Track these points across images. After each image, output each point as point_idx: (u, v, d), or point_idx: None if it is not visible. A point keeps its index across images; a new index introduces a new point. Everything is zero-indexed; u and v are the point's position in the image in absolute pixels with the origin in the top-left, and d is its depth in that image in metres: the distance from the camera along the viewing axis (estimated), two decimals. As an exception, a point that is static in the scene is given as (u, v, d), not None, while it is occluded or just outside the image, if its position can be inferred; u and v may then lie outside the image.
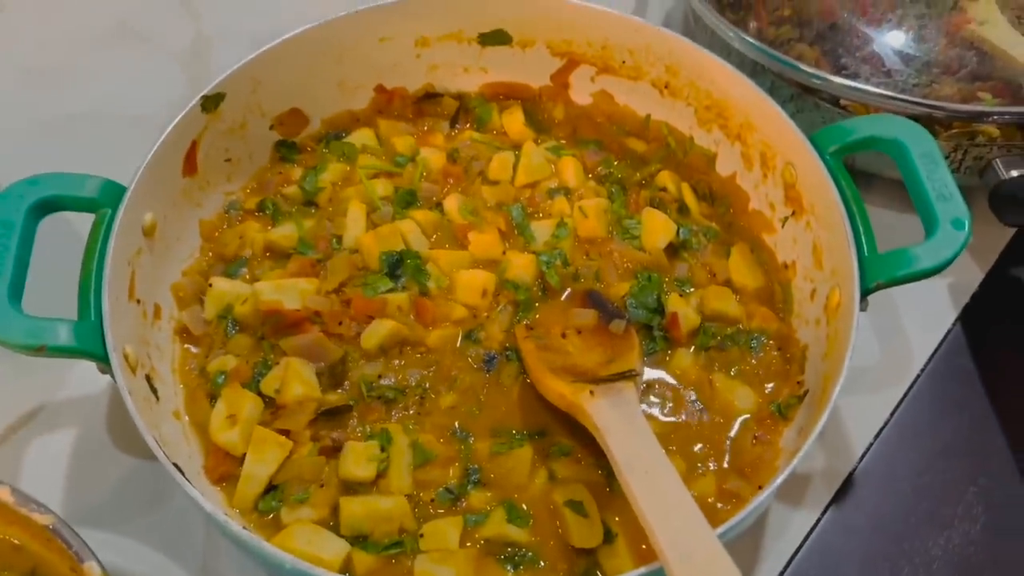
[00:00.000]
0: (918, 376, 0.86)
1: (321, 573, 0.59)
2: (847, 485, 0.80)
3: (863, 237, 0.73)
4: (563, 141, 0.95)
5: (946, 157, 0.88)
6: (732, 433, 0.75)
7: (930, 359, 0.87)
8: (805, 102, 0.92)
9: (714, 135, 0.91)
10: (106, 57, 1.14)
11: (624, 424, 0.68)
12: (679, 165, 0.93)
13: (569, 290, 0.82)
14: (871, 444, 0.82)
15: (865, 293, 0.70)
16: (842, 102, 0.92)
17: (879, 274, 0.70)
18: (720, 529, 0.58)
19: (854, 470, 0.81)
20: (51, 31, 1.17)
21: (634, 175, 0.90)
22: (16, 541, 0.61)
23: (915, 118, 0.83)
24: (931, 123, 0.89)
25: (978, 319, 0.90)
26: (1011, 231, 0.95)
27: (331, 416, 0.74)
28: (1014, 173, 0.89)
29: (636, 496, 0.61)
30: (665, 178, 0.91)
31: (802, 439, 0.65)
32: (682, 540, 0.57)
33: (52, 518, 0.58)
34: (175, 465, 0.64)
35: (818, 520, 0.78)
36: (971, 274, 0.93)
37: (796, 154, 0.80)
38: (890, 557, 0.76)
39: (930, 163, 0.73)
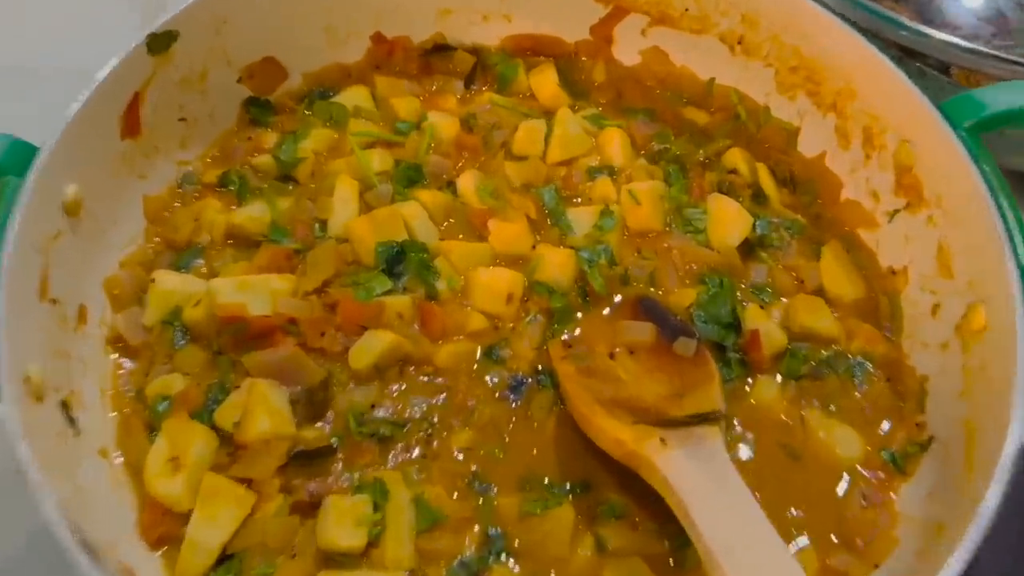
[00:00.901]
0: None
1: None
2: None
3: (1019, 239, 0.55)
4: (606, 108, 0.82)
5: None
6: (835, 491, 0.61)
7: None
8: (906, 69, 0.74)
9: (799, 104, 0.76)
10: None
11: (712, 486, 0.52)
12: (751, 141, 0.78)
13: (619, 297, 0.69)
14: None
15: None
16: (952, 70, 0.74)
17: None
18: None
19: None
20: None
21: (696, 153, 0.78)
22: None
23: None
24: None
25: None
26: None
27: (308, 460, 0.61)
28: None
29: (724, 566, 0.43)
30: (735, 157, 0.77)
31: (943, 540, 0.47)
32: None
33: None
34: (83, 542, 0.44)
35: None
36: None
37: (918, 130, 0.65)
38: None
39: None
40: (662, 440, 0.55)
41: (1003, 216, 0.59)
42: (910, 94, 0.65)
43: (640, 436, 0.56)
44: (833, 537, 0.59)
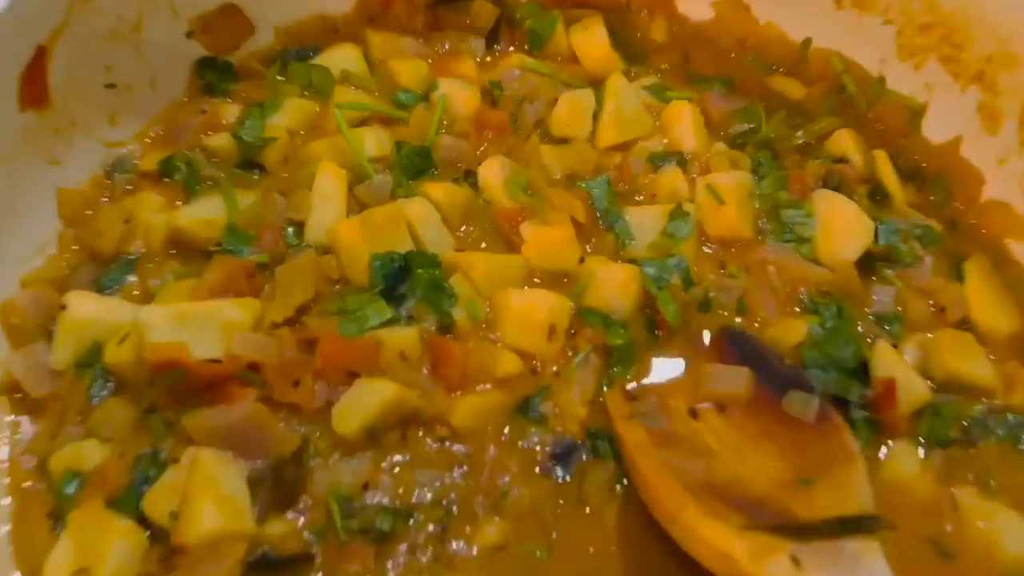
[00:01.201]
0: None
1: None
2: None
3: None
4: (669, 76, 0.69)
5: None
6: None
7: None
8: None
9: (927, 74, 0.63)
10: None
11: None
12: (861, 122, 0.65)
13: (708, 334, 0.55)
14: None
15: None
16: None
17: None
18: None
19: None
20: None
21: (792, 136, 0.65)
22: None
23: None
24: None
25: None
26: None
27: (273, 571, 0.48)
28: None
29: None
30: (844, 142, 0.64)
31: None
32: None
33: None
34: None
35: None
36: None
37: None
38: None
39: None
40: (794, 560, 0.40)
41: None
42: None
43: (760, 551, 0.42)
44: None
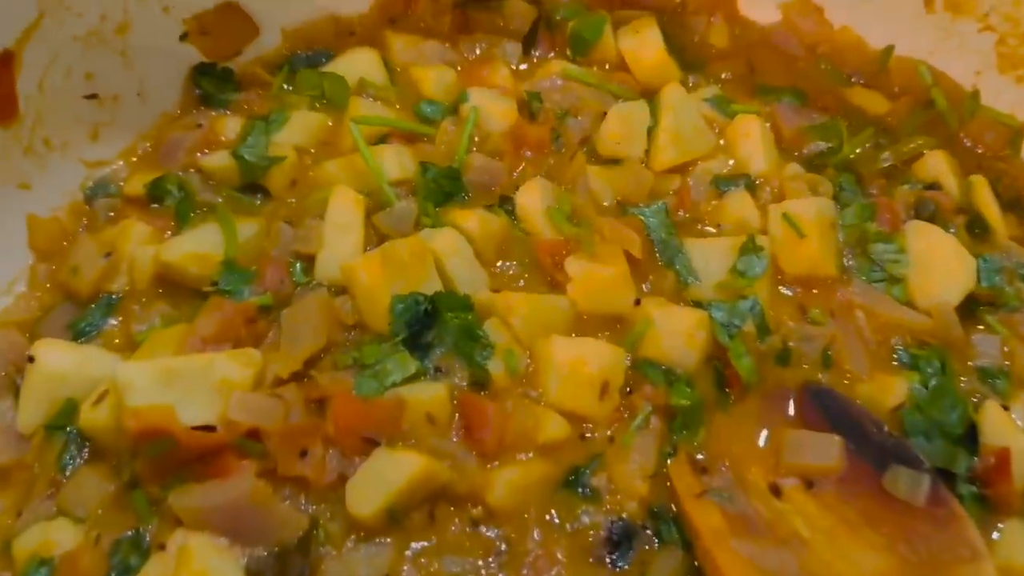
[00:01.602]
0: None
1: None
2: None
3: None
4: (731, 87, 0.63)
5: None
6: None
7: None
8: None
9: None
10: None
11: None
12: (952, 142, 0.59)
13: (792, 392, 0.49)
14: None
15: None
16: None
17: None
18: None
19: None
20: None
21: (877, 157, 0.59)
22: None
23: None
24: None
25: None
26: None
27: None
28: None
29: None
30: (936, 165, 0.57)
31: None
32: None
33: None
34: None
35: None
36: None
37: None
38: None
39: None
40: None
41: None
42: None
43: None
44: None
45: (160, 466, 0.44)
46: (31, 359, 0.47)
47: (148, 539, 0.43)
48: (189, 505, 0.42)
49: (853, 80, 0.62)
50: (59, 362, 0.47)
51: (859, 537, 0.42)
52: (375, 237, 0.53)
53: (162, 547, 0.42)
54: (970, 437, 0.46)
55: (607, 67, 0.64)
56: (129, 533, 0.44)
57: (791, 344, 0.50)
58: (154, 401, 0.43)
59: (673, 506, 0.46)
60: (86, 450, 0.46)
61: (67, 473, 0.46)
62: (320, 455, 0.44)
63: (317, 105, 0.61)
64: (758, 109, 0.60)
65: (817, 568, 0.41)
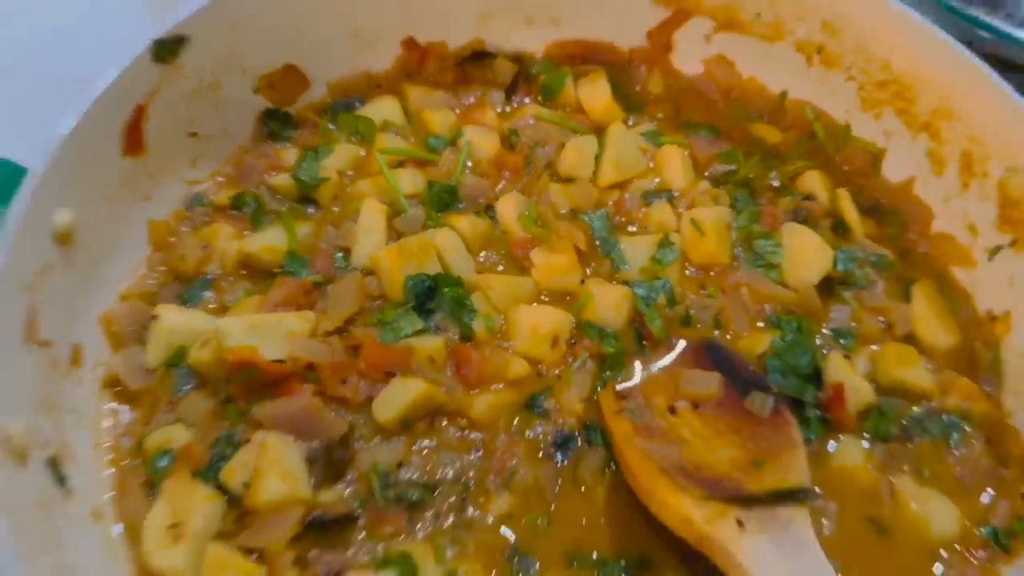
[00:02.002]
0: None
1: None
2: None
3: None
4: (663, 124, 0.76)
5: None
6: (929, 573, 0.56)
7: None
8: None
9: (885, 123, 0.70)
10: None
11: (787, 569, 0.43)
12: (829, 164, 0.73)
13: (682, 342, 0.63)
14: None
15: None
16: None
17: None
18: None
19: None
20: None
21: (767, 175, 0.72)
22: None
23: None
24: None
25: None
26: None
27: (326, 529, 0.55)
28: None
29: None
30: (812, 181, 0.71)
31: None
32: None
33: None
34: None
35: None
36: None
37: None
38: None
39: None
40: (739, 522, 0.48)
41: None
42: (1020, 113, 0.56)
43: (712, 515, 0.49)
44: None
45: (247, 388, 0.58)
46: (155, 317, 0.61)
47: (238, 437, 0.57)
48: (267, 413, 0.57)
49: (756, 117, 0.74)
50: (173, 319, 0.61)
51: (724, 438, 0.56)
52: (394, 235, 0.66)
53: (247, 441, 0.56)
54: (817, 377, 0.60)
55: (568, 109, 0.76)
56: (225, 433, 0.57)
57: (691, 311, 0.64)
58: (243, 343, 0.57)
59: (599, 421, 0.59)
60: (193, 380, 0.60)
61: (180, 395, 0.60)
62: (355, 382, 0.59)
63: (353, 140, 0.74)
64: (680, 140, 0.73)
65: (692, 456, 0.55)
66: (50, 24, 0.87)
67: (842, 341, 0.63)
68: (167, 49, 0.64)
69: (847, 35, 0.67)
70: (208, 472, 0.56)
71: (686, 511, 0.50)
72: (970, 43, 0.69)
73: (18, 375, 0.53)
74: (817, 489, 0.57)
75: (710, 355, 0.61)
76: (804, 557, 0.46)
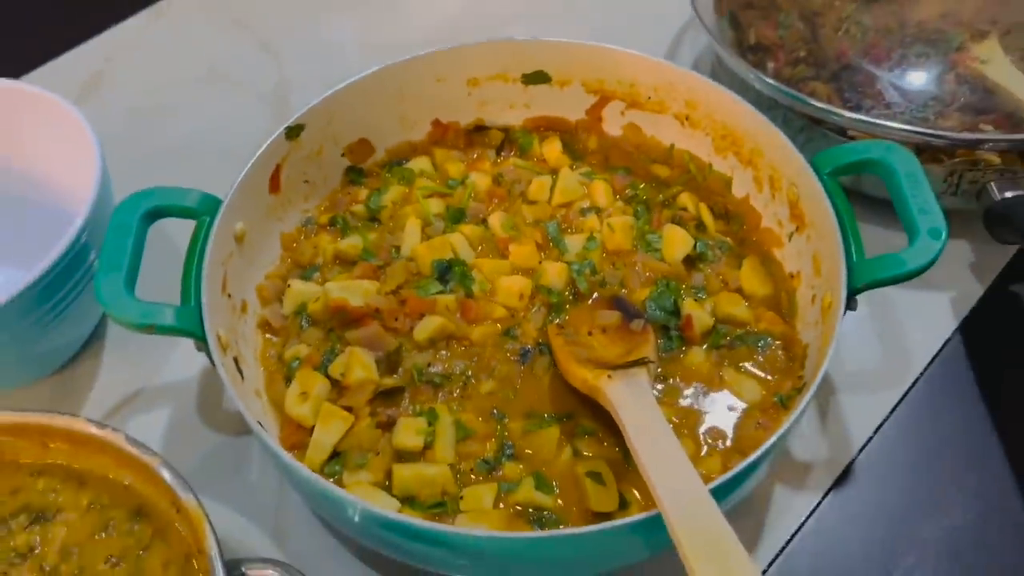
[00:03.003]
0: (917, 379, 0.94)
1: (379, 509, 0.70)
2: (846, 474, 0.88)
3: (852, 245, 0.82)
4: (595, 167, 1.04)
5: (943, 181, 0.99)
6: (737, 420, 0.83)
7: (929, 364, 0.95)
8: (815, 133, 1.02)
9: (729, 161, 1.01)
10: (201, 97, 1.31)
11: (635, 400, 0.77)
12: (699, 188, 0.99)
13: (596, 295, 0.90)
14: (870, 438, 0.90)
15: (854, 293, 0.79)
16: (849, 132, 1.01)
17: (866, 276, 0.79)
18: (711, 485, 0.67)
19: (853, 461, 0.89)
20: (154, 76, 1.36)
21: (657, 196, 0.98)
22: (126, 482, 0.70)
23: (920, 147, 0.93)
24: (936, 152, 0.99)
25: (977, 330, 0.98)
26: (1012, 250, 1.03)
27: (387, 396, 0.82)
28: (1008, 194, 0.97)
29: (640, 455, 0.71)
30: (685, 199, 0.97)
31: (788, 415, 0.75)
32: (677, 489, 0.65)
33: (158, 459, 0.70)
34: (259, 424, 0.76)
35: (817, 504, 0.85)
36: (972, 289, 1.01)
37: (798, 176, 0.90)
38: (885, 539, 0.83)
39: (913, 182, 0.82)
40: (609, 376, 0.77)
41: (843, 227, 0.86)
42: (791, 150, 0.88)
43: (597, 375, 0.75)
44: (731, 447, 0.84)
45: (341, 322, 0.83)
46: (289, 285, 0.91)
47: (337, 349, 0.82)
48: (353, 336, 0.81)
49: (654, 161, 0.98)
50: (299, 286, 0.87)
51: (616, 345, 0.80)
52: (426, 237, 0.91)
53: (342, 351, 0.81)
54: (677, 312, 0.85)
55: (535, 159, 1.00)
56: (329, 348, 0.82)
57: (606, 278, 0.86)
58: (339, 295, 0.82)
59: (547, 341, 0.84)
60: (310, 321, 0.86)
61: (303, 330, 0.85)
62: (403, 319, 0.83)
63: (401, 183, 0.96)
64: (606, 177, 0.96)
65: (594, 354, 0.75)
66: (213, 118, 1.27)
67: (697, 294, 0.91)
68: (293, 132, 0.91)
69: (700, 108, 0.97)
70: (321, 368, 0.82)
71: (584, 375, 0.76)
72: (791, 107, 1.07)
73: (220, 310, 0.78)
74: (677, 378, 0.85)
75: (614, 302, 0.86)
76: (640, 390, 0.74)
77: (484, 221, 0.96)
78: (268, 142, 0.89)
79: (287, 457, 0.73)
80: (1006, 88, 1.07)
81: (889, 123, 0.98)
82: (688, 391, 0.84)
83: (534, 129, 1.05)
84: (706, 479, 0.64)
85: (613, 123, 1.08)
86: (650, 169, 1.06)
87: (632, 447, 0.73)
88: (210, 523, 0.67)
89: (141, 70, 1.36)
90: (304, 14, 1.36)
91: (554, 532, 0.75)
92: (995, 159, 1.01)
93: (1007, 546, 0.80)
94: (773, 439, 0.70)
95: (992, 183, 0.96)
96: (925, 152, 0.98)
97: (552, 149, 1.04)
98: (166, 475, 0.70)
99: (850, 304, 0.79)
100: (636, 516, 0.67)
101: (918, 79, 1.07)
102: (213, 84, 1.31)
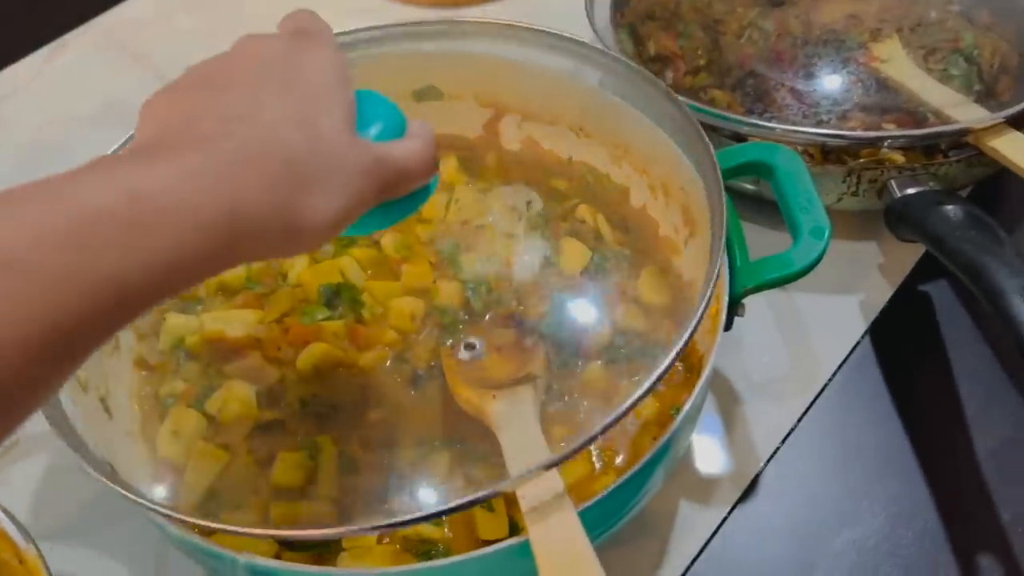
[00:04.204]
0: (825, 385, 0.91)
1: (247, 557, 0.66)
2: (753, 487, 0.85)
3: (736, 250, 0.80)
4: (492, 183, 1.05)
5: (843, 182, 0.97)
6: (633, 435, 0.81)
7: (838, 369, 0.93)
8: (713, 139, 1.00)
9: (625, 170, 0.99)
10: (95, 134, 1.26)
11: (516, 421, 0.75)
12: (597, 199, 1.00)
13: (492, 313, 0.91)
14: (778, 448, 0.87)
15: (737, 298, 0.77)
16: (749, 138, 1.00)
17: (749, 280, 0.78)
18: (583, 506, 0.65)
19: (760, 473, 0.86)
20: (48, 114, 1.32)
21: (557, 209, 1.00)
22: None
23: (825, 150, 0.92)
24: (840, 153, 0.99)
25: (887, 332, 0.96)
26: (920, 249, 1.01)
27: (267, 431, 0.85)
28: (908, 191, 0.96)
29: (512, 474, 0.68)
30: (584, 211, 0.99)
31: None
32: (543, 512, 0.63)
33: (-1, 510, 0.65)
34: (108, 465, 0.71)
35: (723, 520, 0.82)
36: (881, 290, 0.99)
37: (688, 181, 0.88)
38: (795, 553, 0.81)
39: (795, 181, 0.80)
40: (493, 396, 0.78)
41: (730, 235, 0.84)
42: (678, 154, 0.89)
43: (482, 396, 0.77)
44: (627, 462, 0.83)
45: (219, 355, 0.86)
46: (164, 319, 0.99)
47: (215, 384, 0.84)
48: (231, 369, 0.84)
49: (554, 174, 0.99)
50: (176, 320, 0.88)
51: (508, 364, 0.83)
52: (314, 262, 0.94)
53: (221, 386, 0.85)
54: (575, 327, 0.94)
55: None
56: (207, 383, 0.84)
57: (502, 295, 0.89)
58: (216, 327, 0.86)
59: (440, 362, 0.84)
60: (188, 355, 0.87)
61: (181, 364, 0.86)
62: (286, 348, 0.85)
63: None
64: (503, 193, 1.01)
65: (486, 375, 0.84)
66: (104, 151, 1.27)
67: (596, 306, 0.91)
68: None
69: (591, 119, 0.98)
70: (197, 404, 0.84)
71: (469, 398, 0.78)
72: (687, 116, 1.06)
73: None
74: (575, 393, 0.84)
75: (510, 320, 0.88)
76: (523, 408, 0.73)
77: (376, 243, 0.98)
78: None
79: (142, 500, 0.68)
80: (907, 86, 1.06)
81: (781, 125, 0.97)
82: (585, 407, 0.84)
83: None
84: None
85: (512, 138, 1.06)
86: (549, 182, 1.03)
87: (508, 470, 0.69)
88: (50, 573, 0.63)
89: (34, 108, 1.33)
90: (203, 45, 1.33)
91: (427, 563, 0.71)
92: (899, 157, 1.00)
93: (920, 553, 0.77)
94: (639, 465, 0.67)
95: (892, 181, 0.95)
96: (831, 154, 0.96)
97: (448, 166, 1.05)
98: (7, 526, 0.66)
99: (736, 310, 0.77)
100: (511, 540, 0.63)
101: (821, 82, 1.06)
102: (108, 119, 1.27)
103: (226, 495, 0.81)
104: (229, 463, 0.82)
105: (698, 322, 0.74)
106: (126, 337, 0.92)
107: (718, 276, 0.77)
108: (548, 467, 0.65)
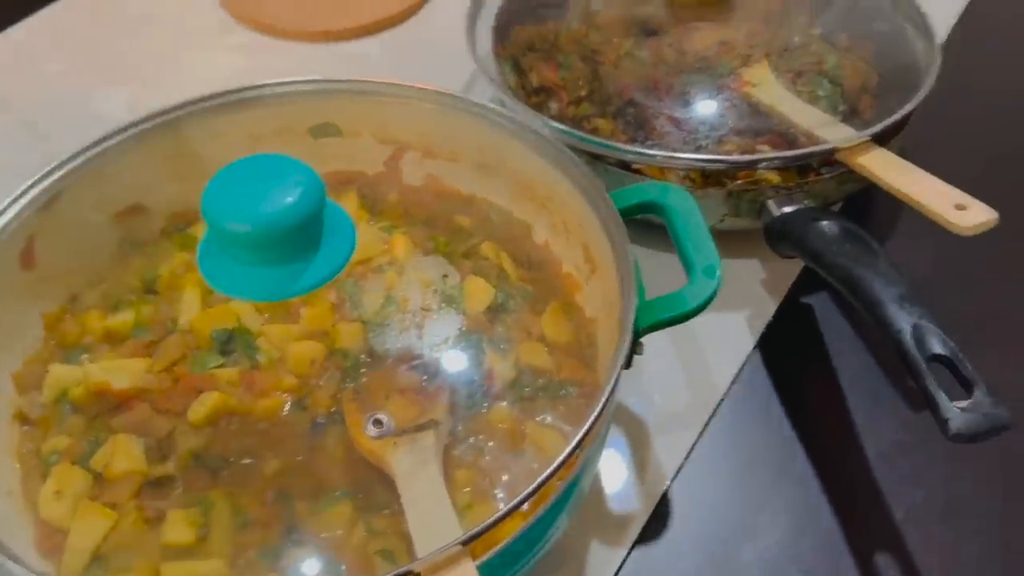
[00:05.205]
0: (720, 402, 0.93)
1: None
2: (660, 511, 0.85)
3: (632, 288, 0.80)
4: (395, 220, 1.02)
5: (724, 204, 1.00)
6: (543, 477, 0.80)
7: (731, 386, 0.95)
8: (596, 168, 1.02)
9: (527, 207, 0.99)
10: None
11: (416, 468, 0.73)
12: (500, 236, 0.99)
13: (393, 356, 0.88)
14: (679, 469, 0.88)
15: (636, 337, 0.77)
16: (633, 166, 1.01)
17: (645, 320, 0.78)
18: (482, 560, 0.64)
19: (665, 493, 0.87)
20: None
21: (460, 248, 0.98)
22: None
23: (705, 174, 0.93)
24: (719, 177, 1.01)
25: (774, 345, 0.98)
26: (800, 265, 1.05)
27: (156, 487, 0.81)
28: (786, 209, 0.99)
29: (410, 526, 0.66)
30: (487, 248, 0.98)
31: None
32: (438, 564, 0.61)
33: None
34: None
35: (629, 552, 0.82)
36: (766, 305, 1.02)
37: (585, 219, 0.88)
38: (705, 571, 0.81)
39: (687, 221, 0.81)
40: (395, 443, 0.77)
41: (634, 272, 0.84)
42: (575, 193, 0.89)
43: (383, 444, 0.76)
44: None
45: (106, 408, 0.81)
46: (47, 372, 0.94)
47: (100, 439, 0.80)
48: (118, 423, 0.80)
49: (456, 211, 0.97)
50: (60, 372, 0.84)
51: (410, 409, 0.84)
52: (205, 307, 0.93)
53: (106, 440, 0.80)
54: (480, 368, 0.93)
55: None
56: (93, 437, 0.80)
57: (406, 336, 0.95)
58: (101, 378, 0.81)
59: (340, 408, 0.81)
60: (73, 409, 0.83)
61: (64, 417, 0.82)
62: (176, 399, 0.81)
63: (183, 250, 0.97)
64: (406, 230, 0.95)
65: (356, 422, 0.86)
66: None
67: (499, 345, 0.88)
68: (46, 201, 0.96)
69: (491, 156, 0.96)
70: (82, 461, 0.80)
71: (370, 445, 0.76)
72: (572, 145, 1.06)
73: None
74: (481, 436, 0.84)
75: (413, 362, 0.85)
76: (423, 455, 0.73)
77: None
78: (11, 214, 0.86)
79: (21, 567, 0.64)
80: (778, 109, 1.10)
81: (662, 152, 0.99)
82: (490, 449, 0.83)
83: (333, 185, 0.99)
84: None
85: (413, 175, 1.04)
86: (452, 220, 1.02)
87: (406, 519, 0.68)
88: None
89: None
90: (74, 89, 1.29)
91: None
92: (775, 178, 1.03)
93: (821, 558, 0.78)
94: (543, 509, 0.67)
95: (769, 200, 0.98)
96: (711, 178, 0.98)
97: (348, 204, 1.02)
98: None
99: (636, 348, 0.77)
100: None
101: (697, 108, 1.09)
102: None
103: (113, 558, 0.77)
104: (116, 523, 0.78)
105: (617, 378, 0.75)
106: (6, 389, 0.87)
107: (633, 325, 0.77)
108: (463, 544, 0.63)
